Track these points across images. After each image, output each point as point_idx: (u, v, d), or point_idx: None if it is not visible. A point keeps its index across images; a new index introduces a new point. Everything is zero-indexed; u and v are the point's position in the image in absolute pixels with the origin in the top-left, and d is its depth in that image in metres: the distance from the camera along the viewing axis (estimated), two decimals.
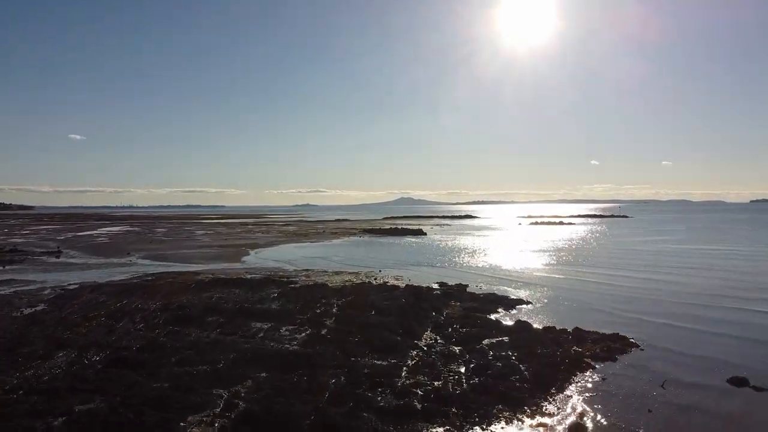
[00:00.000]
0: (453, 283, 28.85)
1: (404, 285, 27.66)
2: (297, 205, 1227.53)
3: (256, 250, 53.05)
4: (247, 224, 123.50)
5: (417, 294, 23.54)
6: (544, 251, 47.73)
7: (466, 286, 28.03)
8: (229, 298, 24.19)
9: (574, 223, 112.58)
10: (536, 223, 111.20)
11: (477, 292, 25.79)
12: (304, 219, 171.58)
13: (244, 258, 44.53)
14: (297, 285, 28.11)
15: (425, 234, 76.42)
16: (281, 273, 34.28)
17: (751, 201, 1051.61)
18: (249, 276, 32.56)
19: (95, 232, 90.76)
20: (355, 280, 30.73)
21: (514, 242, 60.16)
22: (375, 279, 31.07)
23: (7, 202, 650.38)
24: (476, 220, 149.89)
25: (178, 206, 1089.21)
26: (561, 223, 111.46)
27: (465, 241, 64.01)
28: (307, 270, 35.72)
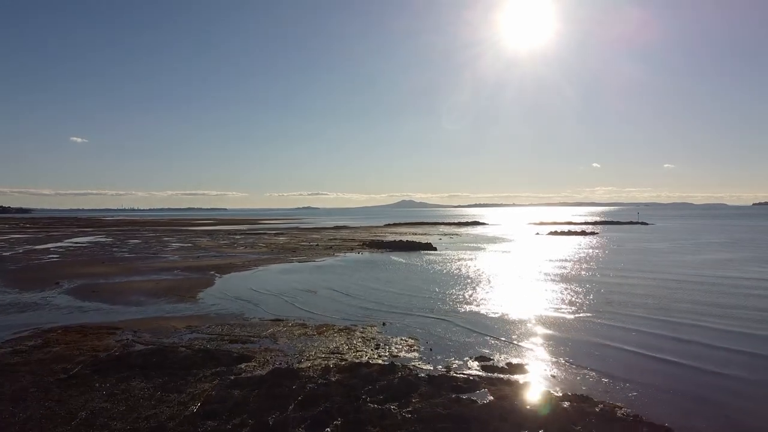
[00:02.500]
0: (500, 361, 17.92)
1: (425, 373, 16.62)
2: (298, 208, 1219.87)
3: (226, 275, 42.11)
4: (235, 233, 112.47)
5: (459, 418, 12.47)
6: (596, 282, 36.70)
7: (524, 368, 17.07)
8: (106, 421, 13.13)
9: (596, 233, 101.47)
10: (555, 233, 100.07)
11: (555, 393, 14.75)
12: (300, 225, 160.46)
13: (203, 293, 33.50)
14: (247, 370, 17.12)
15: (435, 249, 65.36)
16: (238, 329, 23.27)
17: (754, 204, 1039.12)
18: (185, 338, 21.58)
19: (58, 244, 79.87)
20: (344, 349, 19.72)
21: (545, 262, 49.11)
22: (375, 346, 20.09)
23: (6, 205, 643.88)
24: (485, 227, 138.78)
25: (179, 209, 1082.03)
26: (583, 232, 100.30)
27: (483, 260, 52.94)
28: (277, 321, 24.71)
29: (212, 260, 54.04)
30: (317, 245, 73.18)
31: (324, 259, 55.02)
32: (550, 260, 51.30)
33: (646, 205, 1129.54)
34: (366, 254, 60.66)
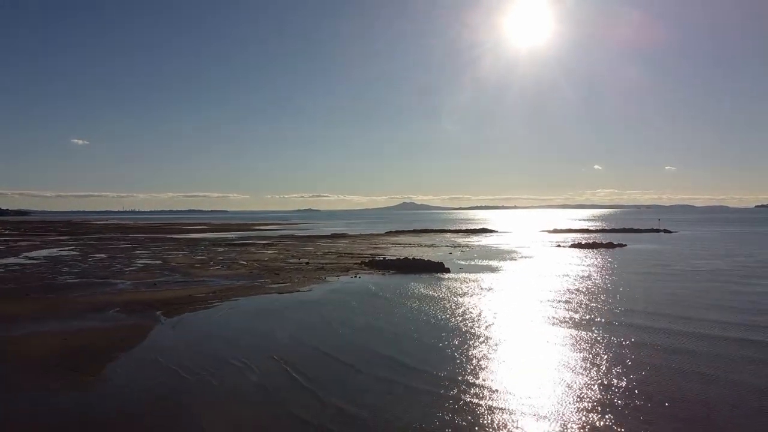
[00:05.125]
0: None
1: None
2: (299, 210, 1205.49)
3: (174, 318, 31.39)
4: (221, 243, 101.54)
5: None
6: (702, 357, 25.76)
7: None
8: None
9: (624, 244, 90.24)
10: (579, 245, 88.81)
11: None
12: (295, 233, 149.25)
13: (117, 362, 22.68)
14: None
15: (447, 270, 54.34)
16: None
17: (756, 206, 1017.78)
18: None
19: (5, 261, 68.94)
20: None
21: (589, 298, 38.28)
22: None
23: (5, 207, 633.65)
24: (496, 236, 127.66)
25: (180, 211, 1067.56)
26: (610, 244, 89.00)
27: (509, 291, 42.09)
28: None
29: (171, 289, 43.09)
30: (307, 263, 62.10)
31: (310, 287, 43.96)
32: (593, 292, 40.27)
33: (648, 207, 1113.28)
34: (364, 278, 49.61)
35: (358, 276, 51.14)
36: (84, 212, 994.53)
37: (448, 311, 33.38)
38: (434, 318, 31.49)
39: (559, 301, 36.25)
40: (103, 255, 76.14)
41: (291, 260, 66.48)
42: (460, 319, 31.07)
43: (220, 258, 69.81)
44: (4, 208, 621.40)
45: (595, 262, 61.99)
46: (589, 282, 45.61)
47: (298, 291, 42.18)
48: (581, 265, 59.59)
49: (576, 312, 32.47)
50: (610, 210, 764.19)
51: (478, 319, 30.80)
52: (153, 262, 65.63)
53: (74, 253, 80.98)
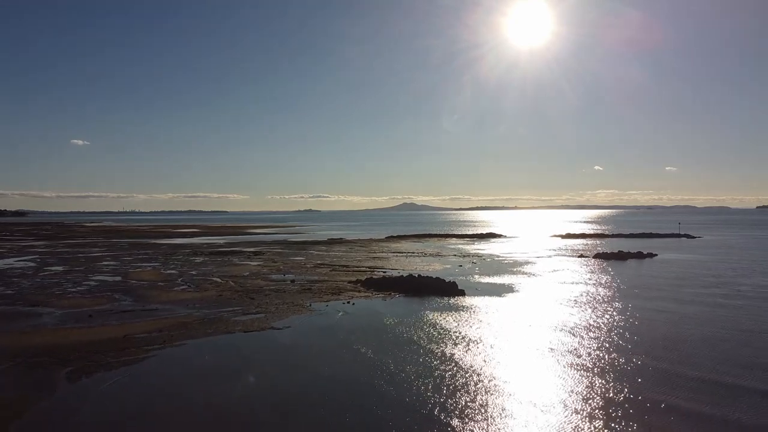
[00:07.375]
0: None
1: None
2: (299, 211, 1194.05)
3: (78, 383, 21.73)
4: (204, 251, 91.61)
5: None
6: None
7: None
8: None
9: (654, 253, 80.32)
10: (603, 255, 78.75)
11: None
12: (289, 238, 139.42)
13: None
14: None
15: (461, 293, 44.45)
16: None
17: (757, 207, 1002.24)
18: None
19: None
20: None
21: (677, 346, 28.56)
22: None
23: (3, 208, 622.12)
24: (505, 242, 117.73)
25: (180, 212, 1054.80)
26: (640, 254, 78.92)
27: (544, 322, 32.31)
28: None
29: (107, 325, 33.17)
30: (292, 281, 52.12)
31: (288, 321, 34.03)
32: (664, 338, 30.41)
33: (649, 208, 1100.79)
34: (359, 304, 39.66)
35: (351, 302, 41.11)
36: (83, 213, 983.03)
37: (474, 375, 23.39)
38: (454, 395, 21.51)
39: (623, 355, 26.31)
40: (61, 267, 66.18)
41: (274, 276, 56.54)
42: (498, 400, 21.14)
43: (193, 273, 59.83)
44: (3, 209, 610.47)
45: (638, 282, 51.96)
46: (646, 316, 35.64)
47: (271, 328, 32.23)
48: (622, 286, 49.54)
49: (658, 382, 22.57)
50: (612, 211, 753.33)
51: (520, 403, 20.92)
52: (111, 278, 55.67)
53: (31, 264, 71.05)
